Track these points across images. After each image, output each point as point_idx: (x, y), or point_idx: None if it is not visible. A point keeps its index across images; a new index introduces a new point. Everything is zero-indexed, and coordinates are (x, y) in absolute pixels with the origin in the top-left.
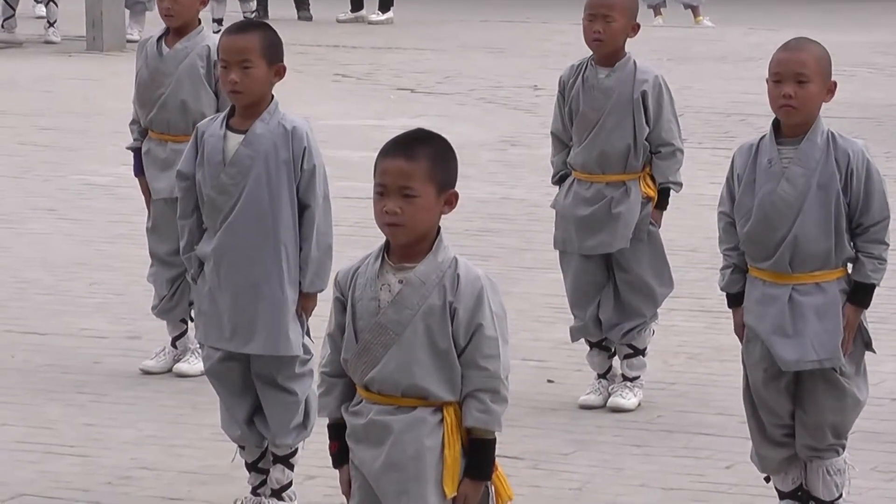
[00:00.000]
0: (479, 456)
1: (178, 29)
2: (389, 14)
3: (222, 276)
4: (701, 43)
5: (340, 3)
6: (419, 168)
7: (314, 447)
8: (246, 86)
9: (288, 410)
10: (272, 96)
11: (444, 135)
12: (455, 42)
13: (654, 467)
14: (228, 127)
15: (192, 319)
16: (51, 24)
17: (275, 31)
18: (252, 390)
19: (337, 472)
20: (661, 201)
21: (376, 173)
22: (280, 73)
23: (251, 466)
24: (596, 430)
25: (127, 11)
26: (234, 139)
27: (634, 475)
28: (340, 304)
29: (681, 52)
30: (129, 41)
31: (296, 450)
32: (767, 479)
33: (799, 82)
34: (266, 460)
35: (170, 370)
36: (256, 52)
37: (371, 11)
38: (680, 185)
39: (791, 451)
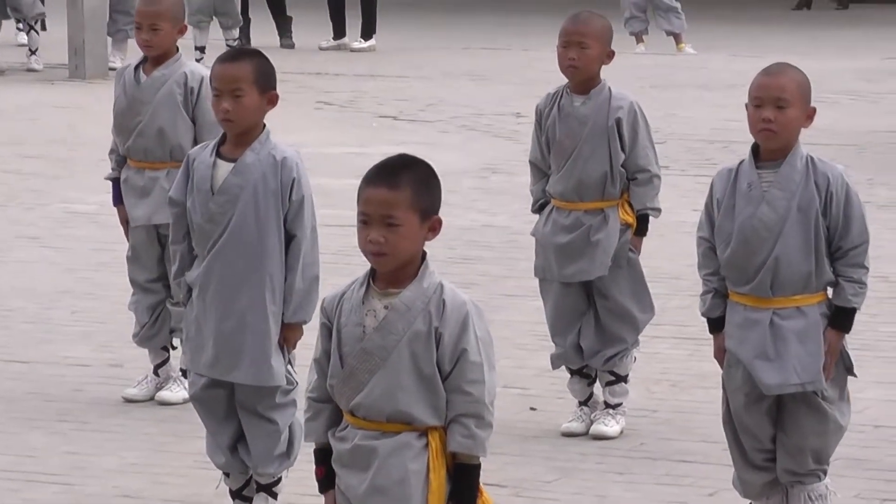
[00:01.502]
0: (463, 481)
1: (156, 57)
2: (372, 42)
3: (207, 303)
4: (683, 70)
5: (323, 31)
6: (402, 196)
7: (297, 475)
8: (237, 114)
9: (269, 439)
10: (264, 125)
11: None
12: (437, 70)
13: (637, 495)
14: (219, 155)
15: (173, 347)
16: (32, 52)
17: (267, 60)
18: (236, 417)
19: (320, 498)
20: (641, 228)
21: (359, 201)
22: (272, 101)
23: (235, 494)
24: (579, 458)
25: (109, 39)
26: (224, 167)
27: (617, 502)
28: (326, 330)
29: (663, 79)
30: (111, 69)
31: (279, 478)
32: None
33: (779, 107)
34: (250, 488)
35: (152, 398)
36: (248, 80)
37: (353, 39)
38: (658, 210)
39: (772, 475)
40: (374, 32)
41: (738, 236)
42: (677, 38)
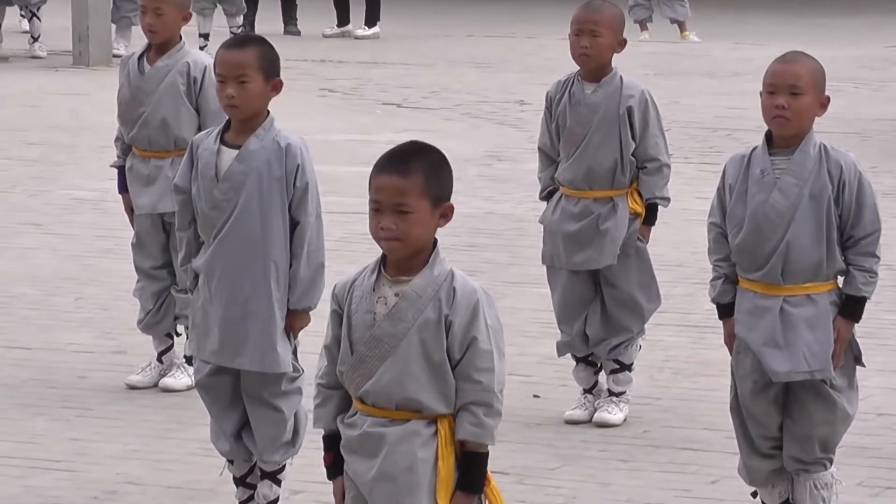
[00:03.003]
0: (471, 469)
1: (159, 45)
2: (376, 29)
3: (213, 290)
4: (687, 58)
5: (327, 18)
6: (413, 184)
7: (301, 462)
8: (242, 100)
9: (274, 427)
10: (268, 112)
11: None
12: (441, 57)
13: (640, 482)
14: (223, 142)
15: (177, 334)
16: (35, 39)
17: (272, 46)
18: (241, 404)
19: (325, 485)
20: (649, 217)
21: (371, 189)
22: (277, 87)
23: (239, 481)
24: (582, 446)
25: (113, 26)
26: (228, 154)
27: (620, 490)
28: (337, 316)
29: (667, 66)
30: (115, 56)
31: (283, 466)
32: (755, 494)
33: (793, 94)
34: (254, 475)
35: (155, 385)
36: (253, 66)
37: (357, 26)
38: (667, 200)
39: (778, 463)
40: (378, 20)
41: (749, 222)
42: (681, 25)
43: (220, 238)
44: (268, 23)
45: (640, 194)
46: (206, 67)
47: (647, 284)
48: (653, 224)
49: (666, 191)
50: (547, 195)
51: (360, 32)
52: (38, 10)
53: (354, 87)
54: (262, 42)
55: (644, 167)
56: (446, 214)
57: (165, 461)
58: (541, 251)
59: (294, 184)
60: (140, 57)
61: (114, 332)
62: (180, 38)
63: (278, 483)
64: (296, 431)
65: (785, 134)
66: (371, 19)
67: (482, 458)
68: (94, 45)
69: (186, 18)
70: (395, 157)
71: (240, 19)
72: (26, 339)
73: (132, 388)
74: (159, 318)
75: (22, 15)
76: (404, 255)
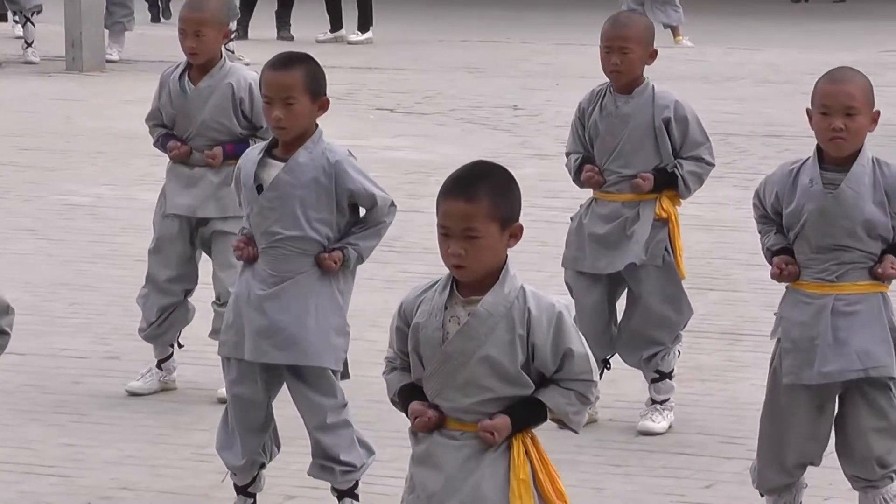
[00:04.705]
0: (530, 413)
1: (201, 64)
2: (369, 34)
3: (254, 291)
4: (681, 63)
5: (320, 24)
6: (481, 208)
7: (295, 467)
8: (290, 122)
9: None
10: (316, 125)
11: (457, 158)
12: (435, 62)
13: (634, 487)
14: (271, 156)
15: (180, 345)
16: (28, 45)
17: (317, 64)
18: (267, 429)
19: (316, 492)
20: (666, 180)
21: (438, 214)
22: (324, 106)
23: (240, 489)
24: (576, 450)
25: (106, 32)
26: (276, 167)
27: (614, 495)
28: (402, 334)
29: (661, 71)
30: (108, 61)
31: (356, 482)
32: (762, 494)
33: (848, 115)
34: (255, 484)
35: (155, 392)
36: (299, 87)
37: (350, 32)
38: (689, 185)
39: (793, 479)
40: (371, 25)
41: (802, 229)
42: (675, 30)
43: (265, 247)
44: (261, 28)
45: (669, 200)
46: (250, 85)
47: (676, 297)
48: (665, 188)
49: (693, 178)
50: (579, 165)
51: (353, 38)
52: (32, 15)
53: (348, 92)
54: (307, 61)
55: (687, 157)
56: (516, 234)
57: (160, 466)
58: (562, 255)
59: (346, 199)
60: (181, 76)
61: (108, 338)
62: (221, 54)
63: (356, 497)
64: (360, 447)
65: (842, 154)
66: (364, 24)
67: (542, 417)
68: (88, 51)
69: (227, 35)
70: (462, 181)
71: (233, 25)
72: (20, 344)
73: (133, 394)
74: (162, 332)
75: (15, 20)
76: (474, 279)
